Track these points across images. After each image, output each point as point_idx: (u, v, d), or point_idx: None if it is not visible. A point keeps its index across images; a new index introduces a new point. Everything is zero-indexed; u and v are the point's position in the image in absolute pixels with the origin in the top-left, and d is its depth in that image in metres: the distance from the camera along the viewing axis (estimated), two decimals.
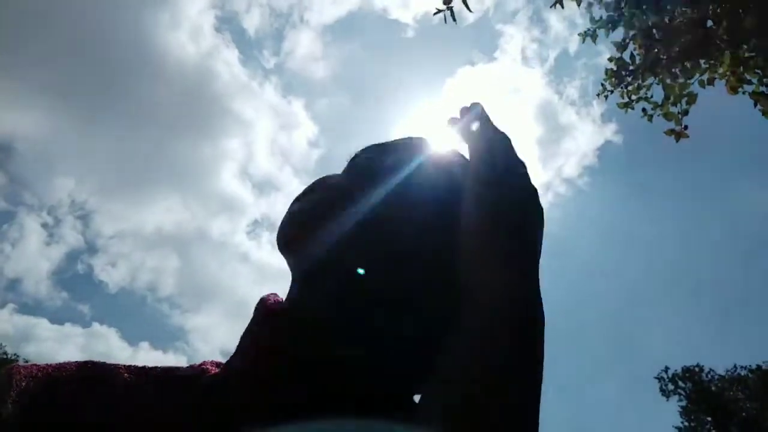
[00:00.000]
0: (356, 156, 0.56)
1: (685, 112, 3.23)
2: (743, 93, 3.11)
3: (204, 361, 0.50)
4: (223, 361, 0.50)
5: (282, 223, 0.51)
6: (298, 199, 0.53)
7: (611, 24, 3.31)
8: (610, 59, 3.43)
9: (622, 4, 3.21)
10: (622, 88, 3.42)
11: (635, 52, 3.31)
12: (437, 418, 0.40)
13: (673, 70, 3.17)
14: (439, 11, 2.68)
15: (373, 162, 0.54)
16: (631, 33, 3.25)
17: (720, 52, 2.99)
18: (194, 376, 0.47)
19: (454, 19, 2.67)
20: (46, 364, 0.45)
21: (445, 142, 0.57)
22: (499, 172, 0.46)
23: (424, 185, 0.51)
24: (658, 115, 3.31)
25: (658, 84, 3.30)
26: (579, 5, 3.37)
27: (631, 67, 3.34)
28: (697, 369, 23.21)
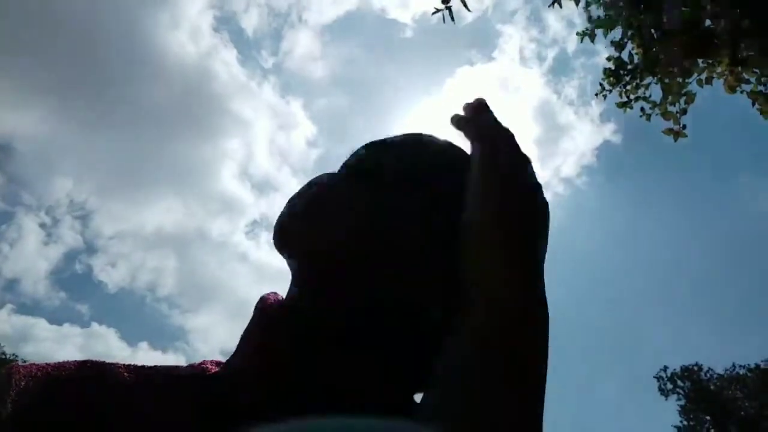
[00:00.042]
0: (355, 153, 0.56)
1: (684, 112, 3.23)
2: (741, 92, 3.12)
3: (204, 360, 0.50)
4: (223, 360, 0.50)
5: (277, 222, 0.51)
6: (293, 198, 0.52)
7: (609, 23, 3.32)
8: (609, 59, 3.44)
9: (620, 4, 3.21)
10: (620, 87, 3.43)
11: (633, 52, 3.32)
12: (438, 419, 0.40)
13: (671, 69, 3.18)
14: (438, 11, 2.69)
15: (371, 159, 0.53)
16: (630, 32, 3.25)
17: (718, 51, 2.99)
18: (194, 375, 0.47)
19: (453, 19, 2.68)
20: (46, 364, 0.45)
21: (447, 139, 0.56)
22: (502, 169, 0.45)
23: (422, 182, 0.50)
24: (657, 115, 3.32)
25: (656, 83, 3.30)
26: (577, 5, 3.37)
27: (629, 67, 3.35)
28: (695, 368, 23.25)
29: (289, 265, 0.51)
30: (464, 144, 0.53)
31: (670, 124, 3.25)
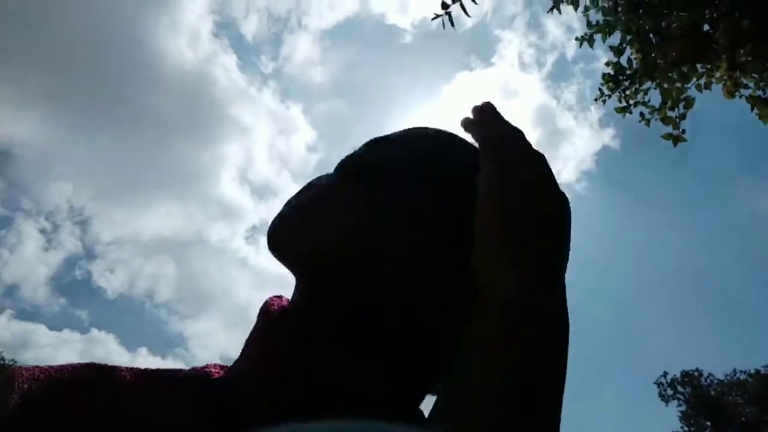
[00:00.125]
0: (355, 151, 0.55)
1: (683, 116, 3.23)
2: (740, 97, 3.12)
3: (207, 364, 0.50)
4: (227, 364, 0.50)
5: (270, 225, 0.50)
6: (290, 200, 0.52)
7: (608, 28, 3.33)
8: (608, 64, 3.44)
9: (619, 9, 3.22)
10: (619, 92, 3.43)
11: (632, 57, 3.32)
12: (439, 420, 0.40)
13: (671, 74, 3.18)
14: (438, 16, 2.69)
15: (371, 156, 0.52)
16: (628, 37, 3.26)
17: (717, 56, 3.00)
18: (197, 378, 0.47)
19: (453, 24, 2.68)
20: (48, 366, 0.44)
21: (452, 132, 0.55)
22: (508, 168, 0.44)
23: (425, 175, 0.49)
24: (656, 120, 3.32)
25: (655, 88, 3.31)
26: (576, 10, 3.38)
27: (628, 72, 3.35)
28: (696, 373, 23.21)
29: (288, 268, 0.51)
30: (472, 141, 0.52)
31: (670, 129, 3.25)
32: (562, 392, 0.40)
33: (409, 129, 0.56)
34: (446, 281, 0.45)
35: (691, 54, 3.01)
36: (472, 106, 0.52)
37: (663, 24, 3.10)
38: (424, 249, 0.46)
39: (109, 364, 0.46)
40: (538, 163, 0.46)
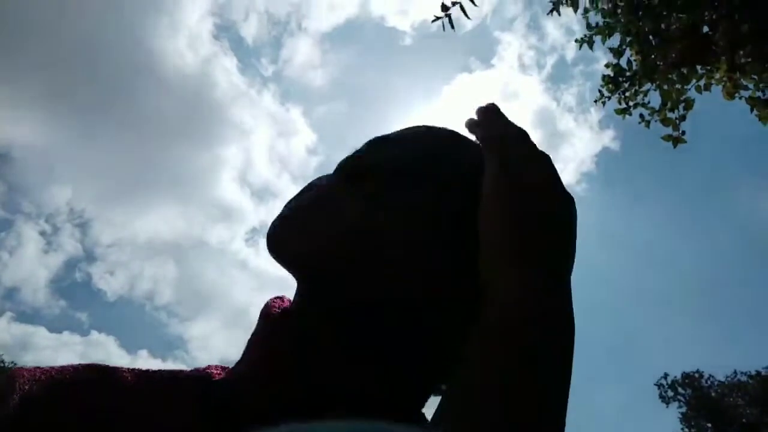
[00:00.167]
0: (356, 151, 0.55)
1: (683, 118, 3.24)
2: (740, 98, 3.12)
3: (209, 365, 0.50)
4: (229, 366, 0.50)
5: (270, 227, 0.50)
6: (289, 202, 0.52)
7: (608, 30, 3.33)
8: (607, 65, 3.44)
9: (619, 11, 3.22)
10: (619, 94, 3.43)
11: (632, 58, 3.32)
12: (440, 420, 0.40)
13: (670, 75, 3.18)
14: (437, 18, 2.69)
15: (370, 156, 0.52)
16: (628, 39, 3.26)
17: (716, 57, 3.00)
18: (199, 379, 0.47)
19: (452, 26, 2.68)
20: (50, 367, 0.44)
21: (453, 130, 0.55)
22: (511, 168, 0.44)
23: (425, 174, 0.49)
24: (656, 121, 3.32)
25: (655, 90, 3.31)
26: (576, 12, 3.38)
27: (628, 73, 3.36)
28: (696, 375, 23.18)
29: (288, 270, 0.51)
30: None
31: (670, 130, 3.25)
32: (567, 394, 0.40)
33: (409, 128, 0.56)
34: (446, 281, 0.45)
35: (691, 55, 3.01)
36: (476, 107, 0.51)
37: (662, 26, 3.11)
38: (424, 249, 0.46)
39: (110, 365, 0.46)
40: (543, 163, 0.46)
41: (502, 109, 0.50)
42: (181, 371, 0.48)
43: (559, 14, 3.37)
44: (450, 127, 0.56)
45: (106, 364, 0.46)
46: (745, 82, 3.07)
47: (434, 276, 0.46)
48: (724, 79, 3.07)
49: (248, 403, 0.44)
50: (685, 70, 3.14)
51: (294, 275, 0.50)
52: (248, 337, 0.49)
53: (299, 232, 0.48)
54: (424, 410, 0.49)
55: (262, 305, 0.51)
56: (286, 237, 0.49)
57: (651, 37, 3.16)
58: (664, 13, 3.07)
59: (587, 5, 3.38)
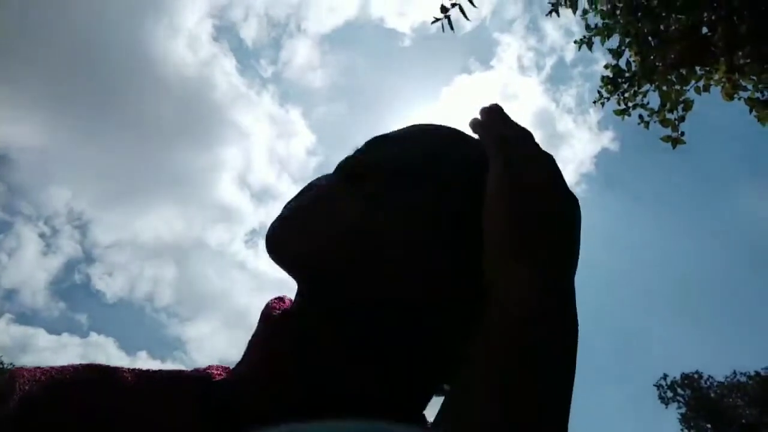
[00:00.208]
0: (356, 151, 0.54)
1: (682, 119, 3.24)
2: (739, 99, 3.13)
3: (210, 365, 0.50)
4: (229, 366, 0.50)
5: (269, 228, 0.49)
6: (289, 203, 0.52)
7: (607, 31, 3.33)
8: (606, 66, 3.44)
9: (618, 12, 3.23)
10: (618, 95, 3.44)
11: (631, 60, 3.33)
12: (441, 420, 0.40)
13: (669, 76, 3.19)
14: (437, 20, 2.69)
15: (370, 156, 0.52)
16: (627, 40, 3.27)
17: (715, 58, 3.01)
18: (199, 379, 0.47)
19: (452, 28, 2.69)
20: (50, 367, 0.44)
21: (455, 128, 0.54)
22: (515, 168, 0.44)
23: (424, 174, 0.49)
24: (655, 122, 3.32)
25: (654, 91, 3.31)
26: (575, 13, 3.39)
27: (627, 74, 3.36)
28: (696, 376, 23.18)
29: (287, 272, 0.51)
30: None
31: (669, 131, 3.26)
32: (569, 395, 0.40)
33: (410, 126, 0.55)
34: (446, 281, 0.45)
35: (690, 56, 3.01)
36: (479, 107, 0.51)
37: (662, 27, 3.11)
38: (423, 249, 0.46)
39: (111, 365, 0.46)
40: (547, 164, 0.45)
41: (505, 110, 0.50)
42: (181, 371, 0.48)
43: (558, 15, 3.38)
44: (452, 125, 0.55)
45: (107, 364, 0.46)
46: (744, 83, 3.07)
47: (434, 276, 0.45)
48: (723, 80, 3.08)
49: (249, 403, 0.44)
50: (684, 71, 3.14)
51: (294, 277, 0.49)
52: (248, 338, 0.49)
53: (298, 233, 0.48)
54: (427, 410, 0.48)
55: (263, 306, 0.51)
56: (286, 239, 0.48)
57: (650, 38, 3.16)
58: (663, 14, 3.07)
59: (586, 6, 3.38)
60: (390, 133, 0.55)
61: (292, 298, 0.52)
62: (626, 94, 3.40)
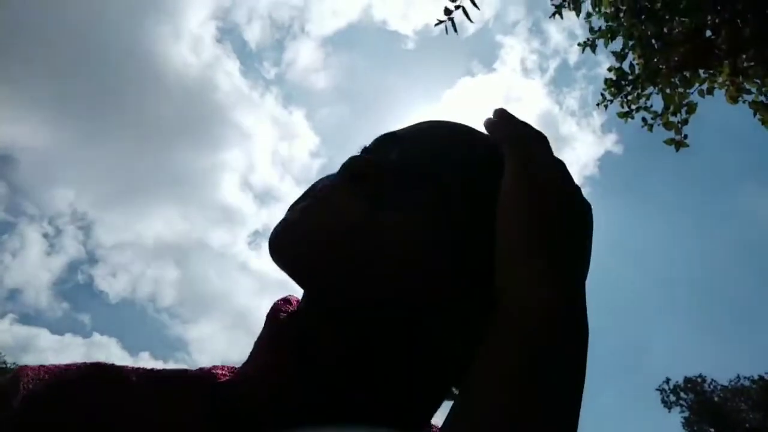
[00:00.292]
0: (364, 149, 0.54)
1: (685, 122, 3.24)
2: (743, 102, 3.13)
3: (214, 365, 0.50)
4: (234, 366, 0.50)
5: (273, 231, 0.49)
6: (293, 205, 0.51)
7: (610, 34, 3.33)
8: (610, 69, 3.44)
9: (621, 14, 3.23)
10: (621, 97, 3.44)
11: (634, 62, 3.33)
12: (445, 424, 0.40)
13: (673, 79, 3.18)
14: (440, 22, 2.69)
15: (377, 155, 0.51)
16: (630, 43, 3.27)
17: (719, 61, 3.00)
18: (203, 380, 0.47)
19: (455, 30, 2.68)
20: (54, 366, 0.44)
21: (468, 126, 0.54)
22: (537, 168, 0.44)
23: (427, 174, 0.48)
24: (658, 125, 3.32)
25: (657, 93, 3.31)
26: (578, 16, 3.39)
27: (630, 77, 3.36)
28: (699, 379, 23.10)
29: (290, 275, 0.50)
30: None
31: (672, 134, 3.25)
32: (578, 398, 0.39)
33: (421, 123, 0.55)
34: (447, 281, 0.45)
35: (694, 59, 3.01)
36: (493, 108, 0.51)
37: (665, 29, 3.11)
38: (424, 249, 0.45)
39: (115, 364, 0.46)
40: (561, 166, 0.46)
41: (515, 114, 0.50)
42: (185, 371, 0.48)
43: (562, 18, 3.38)
44: (464, 122, 0.55)
45: (112, 362, 0.46)
46: (747, 86, 3.07)
47: (435, 276, 0.45)
48: (727, 83, 3.07)
49: (254, 404, 0.44)
50: (687, 74, 3.14)
51: (296, 281, 0.48)
52: (250, 339, 0.49)
53: (301, 238, 0.47)
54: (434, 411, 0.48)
55: (267, 308, 0.51)
56: (288, 243, 0.47)
57: (653, 40, 3.16)
58: (667, 16, 3.07)
59: (590, 9, 3.38)
60: (399, 130, 0.54)
61: (298, 298, 0.52)
62: (629, 97, 3.40)
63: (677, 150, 3.24)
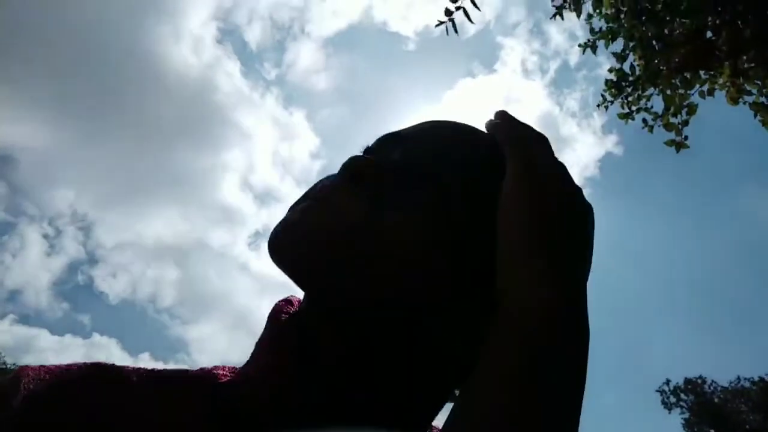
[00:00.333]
0: (366, 149, 0.54)
1: (686, 123, 3.24)
2: (744, 103, 3.13)
3: (215, 366, 0.50)
4: (236, 366, 0.50)
5: (273, 231, 0.49)
6: (294, 206, 0.51)
7: (611, 35, 3.33)
8: (610, 70, 3.44)
9: (622, 15, 3.23)
10: (622, 98, 3.44)
11: (635, 63, 3.33)
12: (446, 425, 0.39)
13: (673, 80, 3.18)
14: (441, 23, 2.69)
15: (373, 158, 0.51)
16: (631, 44, 3.27)
17: (720, 62, 3.00)
18: (204, 380, 0.47)
19: (456, 31, 2.68)
20: (55, 366, 0.44)
21: (471, 127, 0.54)
22: (540, 168, 0.45)
23: (427, 174, 0.48)
24: (659, 126, 3.32)
25: (658, 95, 3.31)
26: (579, 17, 3.39)
27: (631, 78, 3.36)
28: (699, 381, 23.09)
29: (290, 276, 0.50)
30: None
31: (672, 135, 3.25)
32: (582, 393, 0.39)
33: (424, 123, 0.55)
34: (447, 281, 0.45)
35: (694, 60, 3.01)
36: (495, 110, 0.52)
37: (666, 30, 3.11)
38: (424, 249, 0.45)
39: (116, 364, 0.46)
40: (562, 168, 0.46)
41: (517, 116, 0.51)
42: (186, 371, 0.48)
43: (563, 19, 3.38)
44: (466, 122, 0.55)
45: (112, 362, 0.46)
46: (748, 87, 3.07)
47: (434, 276, 0.45)
48: (728, 84, 3.08)
49: (254, 405, 0.44)
50: (688, 75, 3.14)
51: (295, 282, 0.48)
52: (251, 339, 0.49)
53: (300, 239, 0.47)
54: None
55: (267, 308, 0.51)
56: (288, 243, 0.47)
57: (654, 41, 3.16)
58: (668, 17, 3.07)
59: (590, 10, 3.38)
60: (401, 130, 0.54)
61: (299, 299, 0.52)
62: (630, 98, 3.40)
63: (678, 151, 3.24)
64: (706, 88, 3.18)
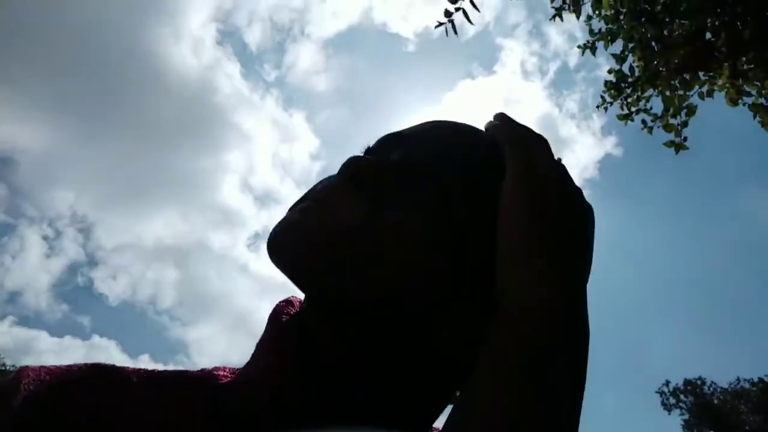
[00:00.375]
0: (367, 150, 0.54)
1: (685, 124, 3.24)
2: (743, 105, 3.13)
3: (216, 367, 0.50)
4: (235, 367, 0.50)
5: (272, 232, 0.48)
6: (293, 206, 0.50)
7: (610, 36, 3.34)
8: (610, 71, 3.45)
9: (621, 17, 3.23)
10: (621, 100, 3.44)
11: (634, 64, 3.33)
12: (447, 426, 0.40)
13: (673, 82, 3.19)
14: (441, 24, 2.70)
15: (373, 158, 0.51)
16: (630, 45, 3.27)
17: (719, 64, 3.00)
18: (204, 381, 0.47)
19: (456, 32, 2.69)
20: (56, 366, 0.44)
21: (471, 127, 0.54)
22: (540, 169, 0.45)
23: (427, 175, 0.48)
24: (658, 127, 3.32)
25: (657, 96, 3.31)
26: (578, 18, 3.39)
27: (630, 79, 3.36)
28: (698, 382, 23.09)
29: (289, 277, 0.50)
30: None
31: (672, 136, 3.26)
32: (579, 398, 0.39)
33: (425, 123, 0.55)
34: (447, 281, 0.45)
35: (694, 62, 3.01)
36: (494, 112, 0.52)
37: (665, 32, 3.11)
38: (424, 250, 0.45)
39: (116, 365, 0.46)
40: (562, 168, 0.47)
41: (515, 118, 0.51)
42: (186, 372, 0.48)
43: (562, 20, 3.39)
44: (467, 122, 0.55)
45: (113, 363, 0.46)
46: (747, 89, 3.07)
47: (434, 276, 0.45)
48: (727, 85, 3.08)
49: (255, 406, 0.44)
50: (687, 77, 3.14)
51: (295, 282, 0.48)
52: (251, 340, 0.49)
53: (300, 239, 0.46)
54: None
55: (267, 309, 0.51)
56: (287, 244, 0.47)
57: (653, 43, 3.16)
58: (667, 19, 3.07)
59: (590, 12, 3.39)
60: (402, 130, 0.54)
61: (300, 299, 0.52)
62: (629, 99, 3.40)
63: (677, 152, 3.24)
64: (705, 89, 3.19)
